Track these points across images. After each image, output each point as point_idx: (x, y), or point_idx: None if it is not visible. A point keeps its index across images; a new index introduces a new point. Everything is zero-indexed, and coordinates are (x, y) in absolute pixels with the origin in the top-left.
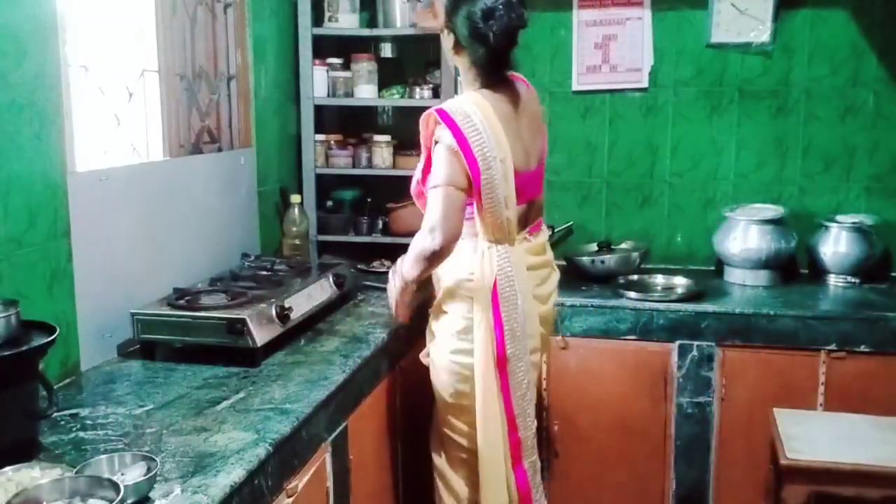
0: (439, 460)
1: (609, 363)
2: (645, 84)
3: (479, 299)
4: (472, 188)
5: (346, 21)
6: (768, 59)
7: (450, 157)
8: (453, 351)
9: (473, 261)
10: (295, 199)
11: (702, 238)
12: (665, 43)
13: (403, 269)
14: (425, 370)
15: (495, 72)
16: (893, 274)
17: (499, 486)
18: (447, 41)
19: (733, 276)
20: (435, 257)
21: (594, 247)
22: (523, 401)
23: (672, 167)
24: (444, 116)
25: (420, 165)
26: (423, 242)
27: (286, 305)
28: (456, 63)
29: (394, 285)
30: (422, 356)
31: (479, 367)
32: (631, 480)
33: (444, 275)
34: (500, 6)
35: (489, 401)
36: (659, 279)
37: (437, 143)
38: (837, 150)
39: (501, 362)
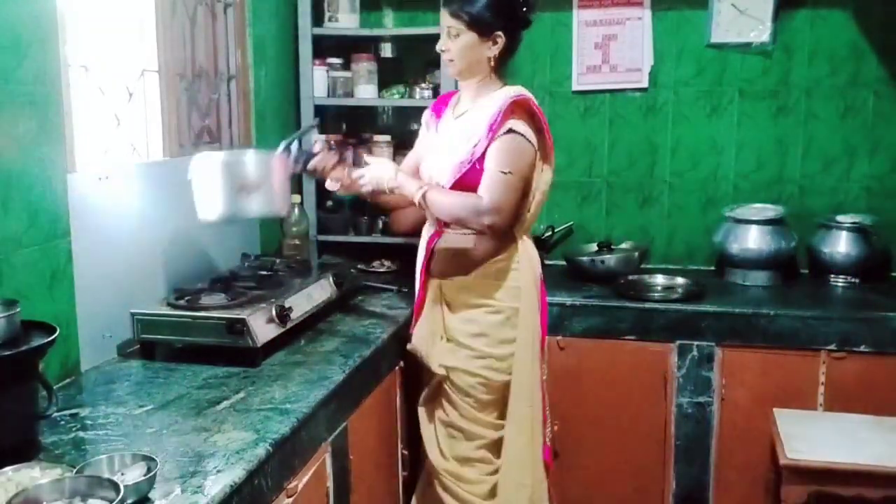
0: (448, 464)
1: (609, 363)
2: (645, 84)
3: (530, 286)
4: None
5: (346, 21)
6: (768, 59)
7: (528, 149)
8: (500, 341)
9: (514, 249)
10: (295, 198)
11: (702, 238)
12: (665, 43)
13: (430, 199)
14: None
15: (506, 64)
16: (893, 274)
17: (523, 470)
18: (485, 42)
19: (733, 276)
20: (479, 227)
21: (594, 247)
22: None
23: (672, 167)
24: (536, 107)
25: (479, 148)
26: (480, 216)
27: (286, 305)
28: (479, 59)
29: (390, 185)
30: (438, 367)
31: (528, 353)
32: (631, 480)
33: (483, 266)
34: None
35: (534, 384)
36: (659, 279)
37: (512, 131)
38: (837, 150)
39: (543, 344)
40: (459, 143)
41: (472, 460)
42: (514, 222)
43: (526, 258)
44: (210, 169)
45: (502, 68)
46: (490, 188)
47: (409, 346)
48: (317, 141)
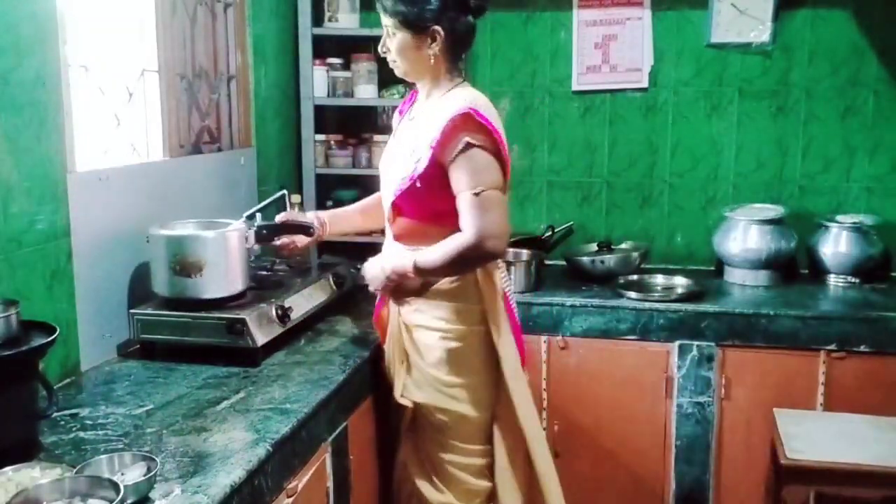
0: (442, 497)
1: (609, 363)
2: (645, 84)
3: (492, 306)
4: None
5: (346, 21)
6: (768, 59)
7: (490, 160)
8: (467, 370)
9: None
10: (295, 199)
11: (702, 238)
12: (665, 43)
13: (423, 263)
14: None
15: (460, 58)
16: (893, 274)
17: (554, 480)
18: (423, 39)
19: (733, 276)
20: (483, 260)
21: (594, 247)
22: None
23: (672, 167)
24: (484, 119)
25: (421, 165)
26: (477, 251)
27: (286, 305)
28: (420, 57)
29: (389, 275)
30: (401, 398)
31: (511, 371)
32: (631, 480)
33: (438, 287)
34: None
35: (528, 399)
36: (659, 279)
37: (470, 146)
38: (837, 150)
39: (523, 363)
40: (403, 156)
41: (466, 494)
42: (457, 227)
43: (487, 277)
44: (158, 245)
45: (457, 63)
46: (470, 216)
47: (386, 363)
48: (286, 212)
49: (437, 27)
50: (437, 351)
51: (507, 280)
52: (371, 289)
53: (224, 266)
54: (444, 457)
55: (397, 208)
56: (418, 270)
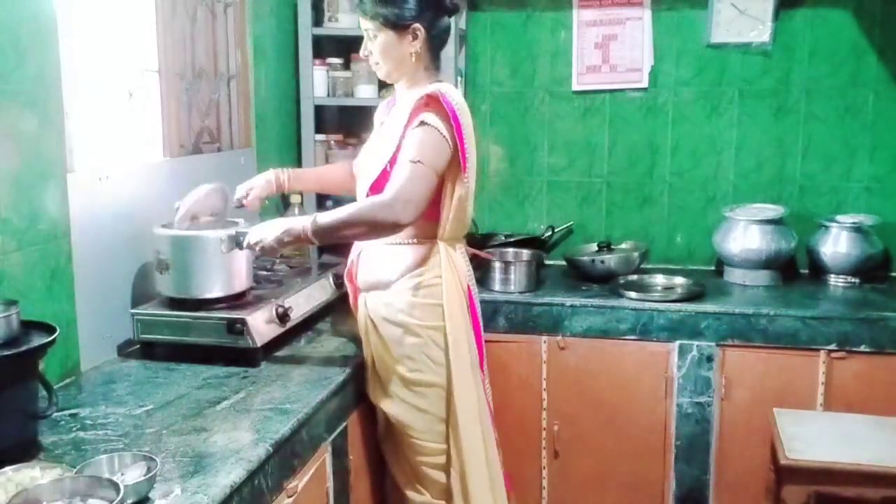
0: (422, 497)
1: (609, 363)
2: (645, 84)
3: (453, 302)
4: (442, 182)
5: (346, 21)
6: (768, 59)
7: (441, 142)
8: (432, 364)
9: (437, 262)
10: (295, 199)
11: (702, 238)
12: (665, 43)
13: (321, 223)
14: None
15: (438, 57)
16: (893, 274)
17: (484, 494)
18: (403, 38)
19: (733, 276)
20: (390, 230)
21: (594, 247)
22: (489, 400)
23: (672, 167)
24: (448, 104)
25: (392, 147)
26: (385, 211)
27: (286, 305)
28: (402, 56)
29: (277, 236)
30: (373, 398)
31: (461, 373)
32: (631, 480)
33: (401, 280)
34: None
35: (472, 406)
36: (659, 279)
37: (424, 123)
38: (837, 150)
39: (481, 365)
40: (383, 145)
41: (442, 492)
42: (423, 219)
43: (450, 271)
44: (158, 244)
45: (434, 62)
46: (394, 179)
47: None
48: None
49: (418, 24)
50: (401, 347)
51: (471, 275)
52: (256, 250)
53: (224, 266)
54: (417, 458)
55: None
56: (318, 229)
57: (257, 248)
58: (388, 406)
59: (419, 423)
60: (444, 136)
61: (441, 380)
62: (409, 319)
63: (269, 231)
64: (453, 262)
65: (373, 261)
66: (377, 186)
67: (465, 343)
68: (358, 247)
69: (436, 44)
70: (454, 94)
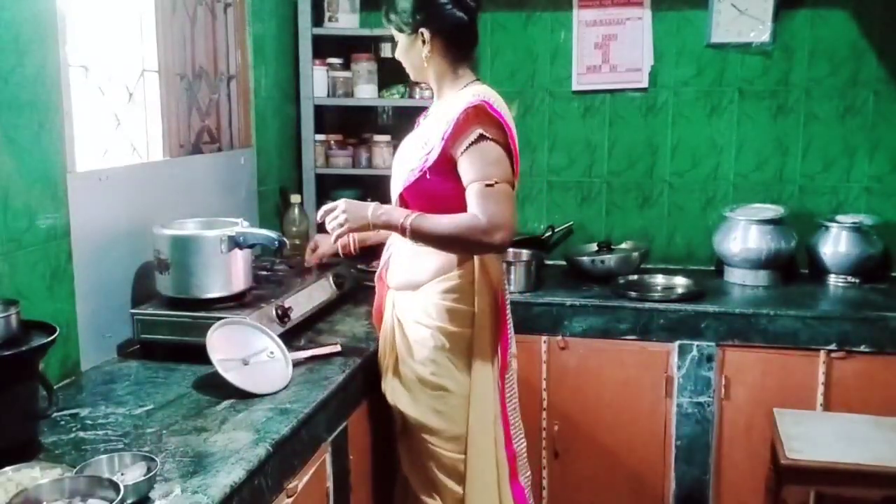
0: (434, 502)
1: (609, 363)
2: (645, 84)
3: (483, 308)
4: None
5: (346, 21)
6: (768, 59)
7: (503, 154)
8: (456, 368)
9: (469, 267)
10: (295, 199)
11: (702, 238)
12: (665, 43)
13: (423, 225)
14: None
15: (466, 56)
16: (893, 274)
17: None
18: (415, 42)
19: (733, 276)
20: (484, 248)
21: (594, 247)
22: (516, 411)
23: (672, 167)
24: (496, 112)
25: (432, 157)
26: (481, 230)
27: (286, 305)
28: (416, 59)
29: (372, 216)
30: (389, 397)
31: (482, 382)
32: (631, 480)
33: (432, 283)
34: None
35: (487, 415)
36: (659, 279)
37: (484, 137)
38: (837, 150)
39: (503, 371)
40: (415, 150)
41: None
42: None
43: (483, 276)
44: (158, 244)
45: (461, 61)
46: (482, 205)
47: (379, 355)
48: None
49: (423, 29)
50: (426, 349)
51: (504, 281)
52: (332, 225)
53: (224, 266)
54: (432, 463)
55: (403, 201)
56: (414, 226)
57: (342, 216)
58: (408, 407)
59: (437, 426)
60: (501, 145)
61: (463, 388)
62: (437, 322)
63: (361, 206)
64: (486, 267)
65: (406, 261)
66: (411, 191)
67: (489, 351)
68: (391, 246)
69: (453, 45)
70: (496, 99)
